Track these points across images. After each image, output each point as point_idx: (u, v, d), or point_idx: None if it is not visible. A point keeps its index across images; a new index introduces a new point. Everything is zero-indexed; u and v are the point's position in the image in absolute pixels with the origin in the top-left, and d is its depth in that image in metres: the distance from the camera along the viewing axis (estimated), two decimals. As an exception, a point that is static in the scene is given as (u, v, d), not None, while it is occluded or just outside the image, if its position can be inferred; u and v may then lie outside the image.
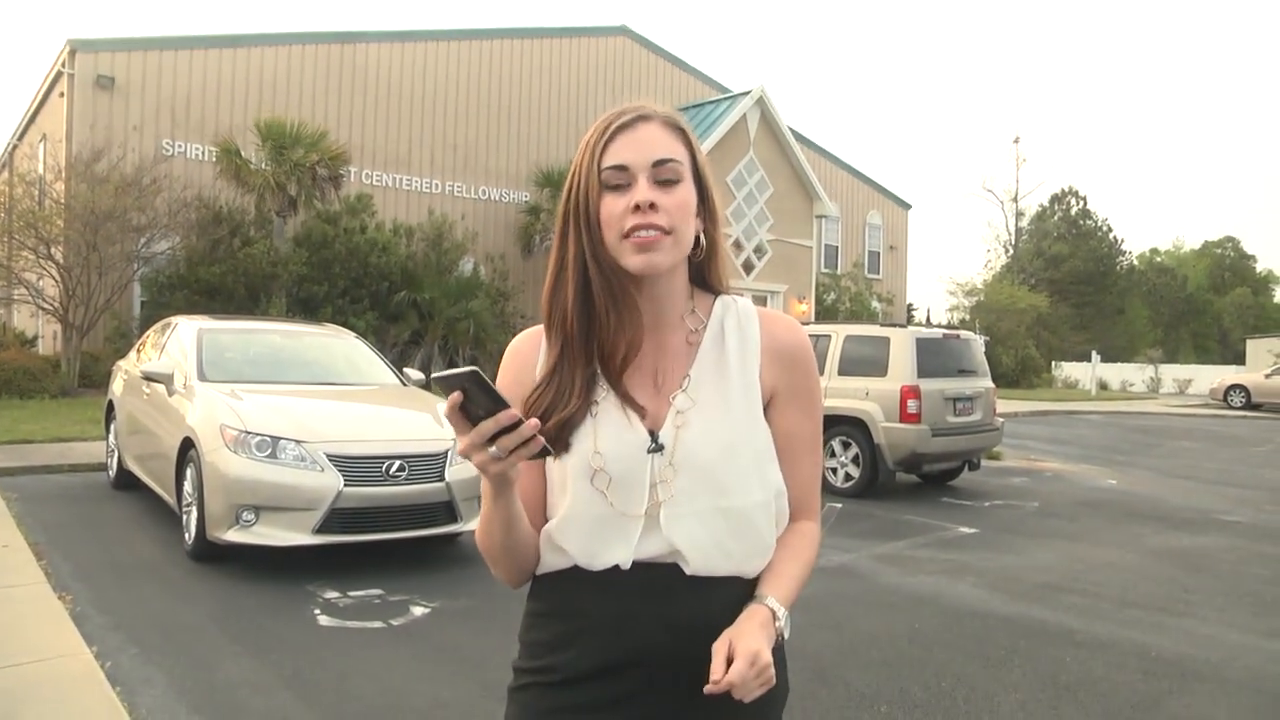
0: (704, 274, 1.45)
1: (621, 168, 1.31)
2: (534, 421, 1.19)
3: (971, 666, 4.54)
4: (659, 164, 1.32)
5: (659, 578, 1.33)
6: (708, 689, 1.20)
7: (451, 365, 18.75)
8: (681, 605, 1.32)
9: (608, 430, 1.35)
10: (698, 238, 1.39)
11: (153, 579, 5.63)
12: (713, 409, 1.36)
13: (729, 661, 1.21)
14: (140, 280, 16.85)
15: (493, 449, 1.19)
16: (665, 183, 1.32)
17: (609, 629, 1.33)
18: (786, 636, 1.33)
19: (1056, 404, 25.16)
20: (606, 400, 1.36)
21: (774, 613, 1.30)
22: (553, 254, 1.38)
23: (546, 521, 1.41)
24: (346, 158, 17.80)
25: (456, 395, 1.16)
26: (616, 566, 1.33)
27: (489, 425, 1.17)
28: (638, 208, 1.29)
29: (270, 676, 4.13)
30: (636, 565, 1.33)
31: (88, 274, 15.08)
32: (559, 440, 1.33)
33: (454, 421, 1.19)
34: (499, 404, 1.16)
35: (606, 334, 1.34)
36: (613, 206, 1.31)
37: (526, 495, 1.39)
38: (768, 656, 1.22)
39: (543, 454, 1.22)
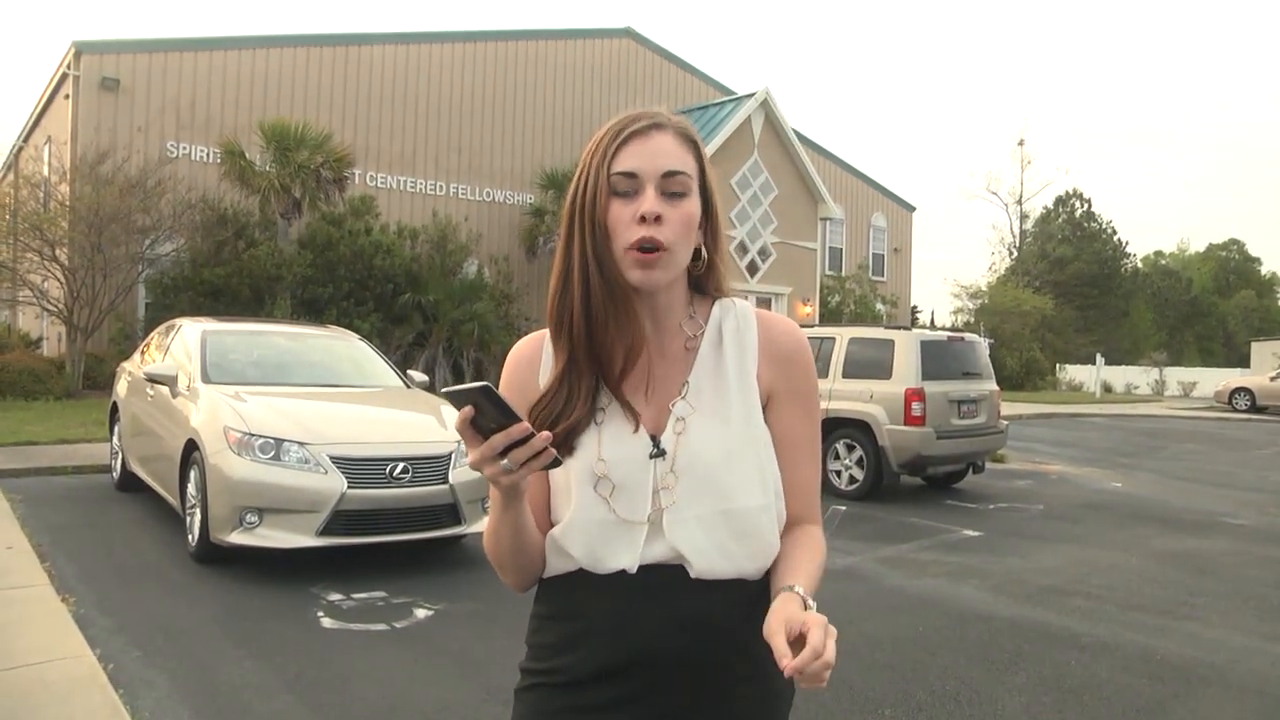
0: (703, 283, 1.45)
1: (631, 174, 1.31)
2: (546, 434, 1.19)
3: (976, 669, 4.52)
4: (668, 175, 1.32)
5: (664, 580, 1.33)
6: (790, 668, 1.10)
7: (456, 368, 18.88)
8: (686, 606, 1.32)
9: (611, 437, 1.35)
10: (698, 250, 1.39)
11: (156, 581, 5.64)
12: (712, 414, 1.36)
13: (799, 641, 1.14)
14: (145, 282, 16.89)
15: (504, 461, 1.19)
16: (672, 194, 1.32)
17: (614, 631, 1.34)
18: None
19: (1061, 407, 25.13)
20: (610, 407, 1.37)
21: (805, 600, 1.25)
22: (558, 257, 1.38)
23: (552, 525, 1.41)
24: (351, 160, 17.82)
25: (468, 410, 1.16)
26: (622, 570, 1.33)
27: (500, 439, 1.17)
28: (643, 219, 1.29)
29: (273, 679, 4.13)
30: (641, 568, 1.33)
31: (92, 276, 15.11)
32: (564, 447, 1.33)
33: (465, 435, 1.18)
34: (510, 417, 1.16)
35: (605, 340, 1.34)
36: (619, 213, 1.31)
37: (533, 500, 1.39)
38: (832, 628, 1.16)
39: (554, 465, 1.22)
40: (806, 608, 1.23)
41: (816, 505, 1.46)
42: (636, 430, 1.35)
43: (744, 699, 1.36)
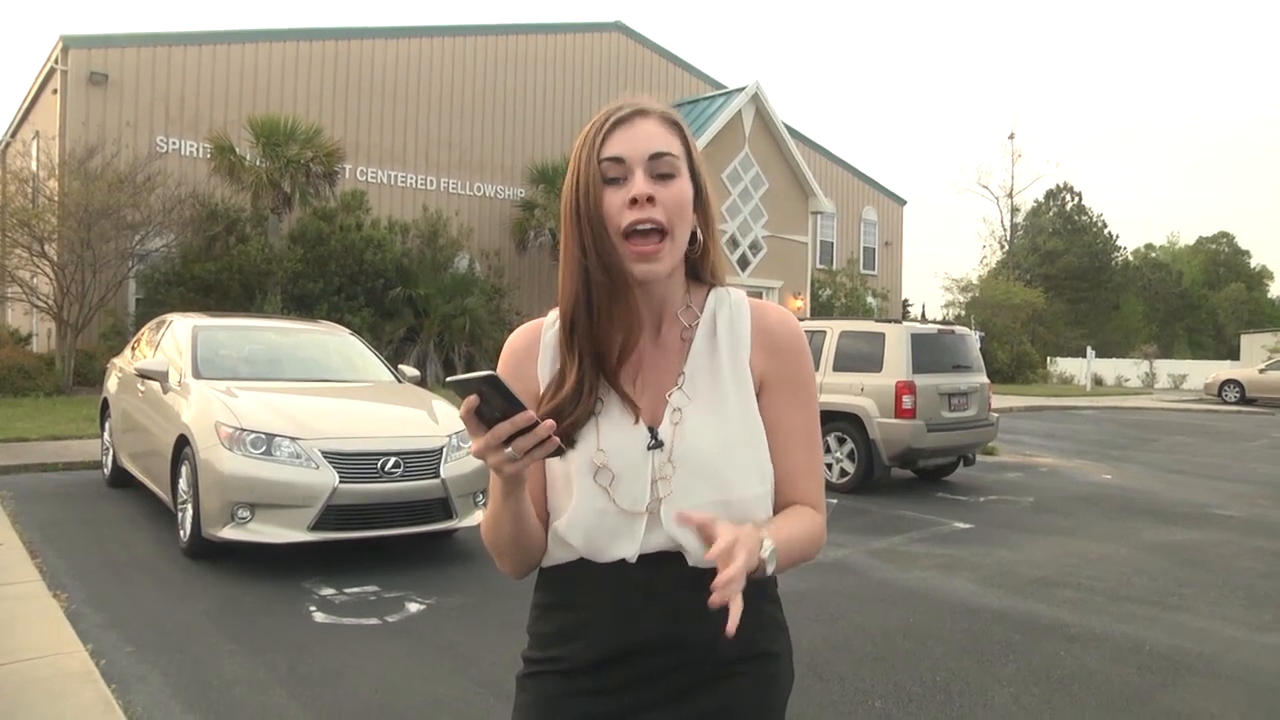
0: (698, 269, 1.46)
1: (618, 159, 1.32)
2: (550, 423, 1.19)
3: (966, 661, 4.55)
4: (655, 157, 1.33)
5: (663, 569, 1.34)
6: (707, 556, 1.15)
7: (447, 363, 18.86)
8: (685, 594, 1.33)
9: (609, 428, 1.36)
10: (694, 234, 1.40)
11: (148, 577, 5.63)
12: (708, 405, 1.37)
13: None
14: (135, 277, 16.83)
15: (508, 450, 1.19)
16: (662, 176, 1.33)
17: (615, 620, 1.36)
18: (769, 572, 1.24)
19: (1052, 399, 25.21)
20: (609, 398, 1.38)
21: (762, 539, 1.23)
22: (562, 252, 1.39)
23: (549, 512, 1.43)
24: (341, 154, 17.77)
25: (473, 399, 1.17)
26: (623, 560, 1.35)
27: (505, 427, 1.17)
28: (635, 201, 1.30)
29: (265, 674, 4.13)
30: (641, 557, 1.35)
31: (82, 271, 15.04)
32: (564, 437, 1.33)
33: (470, 424, 1.19)
34: (515, 406, 1.17)
35: (602, 331, 1.35)
36: (612, 200, 1.32)
37: (530, 489, 1.40)
38: (746, 535, 1.17)
39: (558, 453, 1.23)
40: (760, 543, 1.22)
41: (815, 493, 1.43)
42: (636, 421, 1.36)
43: (742, 680, 1.38)
